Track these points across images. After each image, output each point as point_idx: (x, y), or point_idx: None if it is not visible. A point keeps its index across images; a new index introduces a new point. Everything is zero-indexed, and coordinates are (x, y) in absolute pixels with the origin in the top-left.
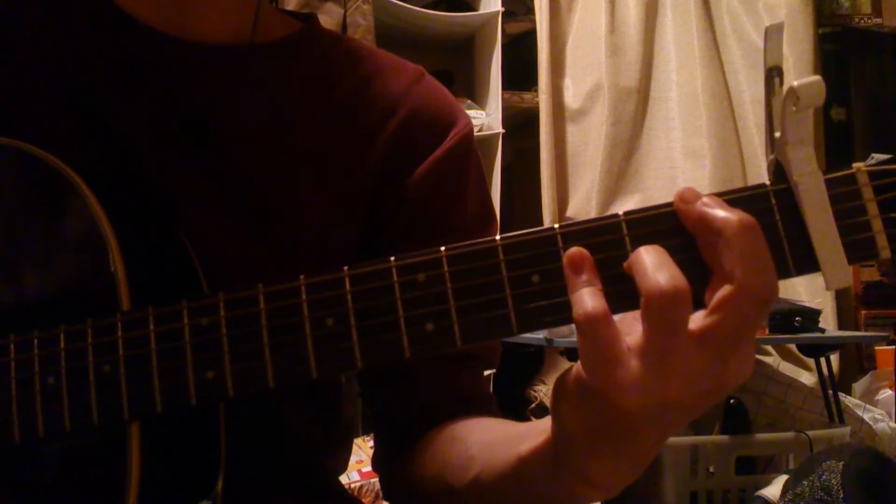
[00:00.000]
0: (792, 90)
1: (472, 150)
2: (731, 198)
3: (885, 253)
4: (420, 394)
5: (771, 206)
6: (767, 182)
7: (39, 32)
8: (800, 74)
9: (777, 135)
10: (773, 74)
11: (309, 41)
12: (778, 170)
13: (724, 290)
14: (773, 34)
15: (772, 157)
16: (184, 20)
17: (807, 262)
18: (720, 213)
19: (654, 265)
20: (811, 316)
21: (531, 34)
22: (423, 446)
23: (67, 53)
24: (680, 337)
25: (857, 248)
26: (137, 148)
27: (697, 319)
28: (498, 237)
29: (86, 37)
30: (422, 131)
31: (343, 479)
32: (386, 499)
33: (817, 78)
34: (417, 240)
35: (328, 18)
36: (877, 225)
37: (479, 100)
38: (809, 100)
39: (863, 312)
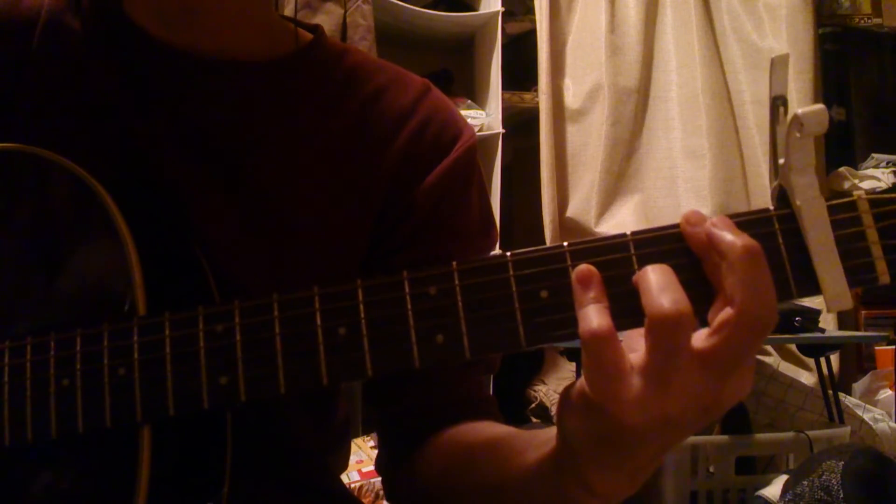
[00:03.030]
0: (796, 117)
1: (475, 159)
2: (737, 221)
3: (885, 278)
4: (423, 397)
5: (774, 230)
6: (771, 206)
7: (56, 47)
8: (799, 74)
9: (781, 161)
10: (778, 103)
11: (319, 55)
12: (781, 195)
13: (725, 314)
14: (778, 65)
15: (776, 182)
16: (196, 37)
17: (808, 285)
18: (727, 236)
19: (659, 287)
20: (811, 316)
21: (531, 34)
22: (426, 449)
23: (85, 68)
24: (681, 357)
25: (858, 272)
26: (153, 160)
27: (699, 340)
28: (508, 253)
29: (103, 52)
30: (430, 143)
31: (343, 478)
32: (389, 500)
33: (821, 106)
34: (423, 245)
35: (328, 18)
36: (876, 251)
37: (479, 100)
38: (813, 127)
39: (863, 312)
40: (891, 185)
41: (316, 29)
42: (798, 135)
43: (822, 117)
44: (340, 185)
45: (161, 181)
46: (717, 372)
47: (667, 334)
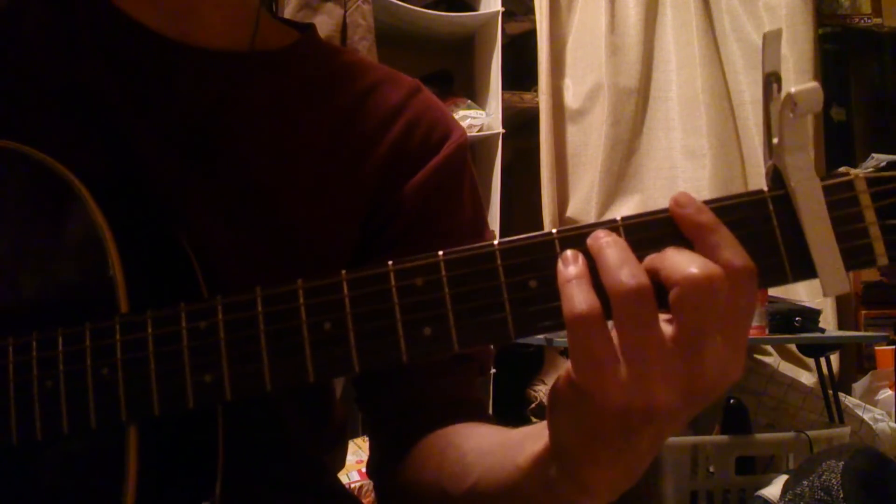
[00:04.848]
0: (790, 96)
1: (466, 159)
2: (730, 203)
3: (883, 260)
4: (411, 396)
5: (769, 212)
6: (765, 188)
7: (41, 35)
8: (800, 74)
9: (775, 140)
10: (771, 80)
11: (309, 51)
12: (776, 175)
13: (674, 291)
14: (771, 41)
15: (770, 162)
16: (187, 26)
17: (804, 269)
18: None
19: (616, 262)
20: (811, 316)
21: (531, 34)
22: (417, 452)
23: (70, 56)
24: (650, 331)
25: (855, 254)
26: (139, 150)
27: (663, 317)
28: (496, 242)
29: (89, 40)
30: (419, 141)
31: (343, 478)
32: None
33: (815, 84)
34: (412, 244)
35: (328, 18)
36: (874, 232)
37: (479, 100)
38: (807, 106)
39: (863, 312)
40: (887, 164)
41: (308, 27)
42: (791, 114)
43: (817, 95)
44: (327, 179)
45: (147, 170)
46: (690, 348)
47: (632, 309)
